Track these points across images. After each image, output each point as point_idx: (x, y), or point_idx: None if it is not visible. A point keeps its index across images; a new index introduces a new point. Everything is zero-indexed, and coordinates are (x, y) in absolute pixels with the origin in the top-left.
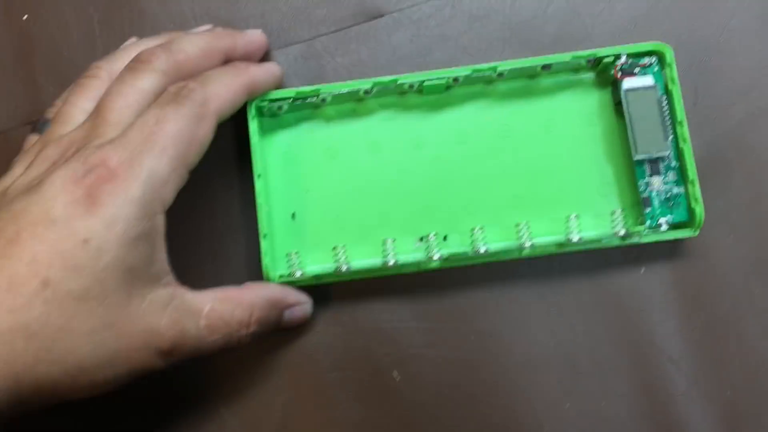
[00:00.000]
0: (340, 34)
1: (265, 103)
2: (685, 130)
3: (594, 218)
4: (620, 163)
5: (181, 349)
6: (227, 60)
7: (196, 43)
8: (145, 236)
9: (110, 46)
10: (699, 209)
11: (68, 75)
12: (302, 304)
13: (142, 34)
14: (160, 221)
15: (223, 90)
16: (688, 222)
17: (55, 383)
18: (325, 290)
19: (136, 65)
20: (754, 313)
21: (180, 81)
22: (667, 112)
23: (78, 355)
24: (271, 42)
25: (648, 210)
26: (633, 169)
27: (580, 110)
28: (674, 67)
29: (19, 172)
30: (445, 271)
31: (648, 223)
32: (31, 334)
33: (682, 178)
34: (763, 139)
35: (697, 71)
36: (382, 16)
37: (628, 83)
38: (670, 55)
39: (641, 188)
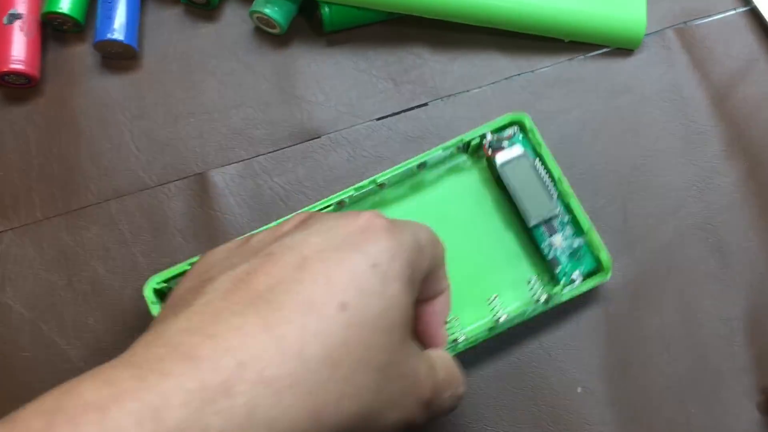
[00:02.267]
0: (277, 153)
1: (163, 285)
2: (565, 186)
3: (513, 291)
4: (519, 231)
5: (435, 402)
6: None
7: None
8: (411, 283)
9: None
10: (603, 254)
11: None
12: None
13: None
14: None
15: None
16: (597, 268)
17: (352, 424)
18: None
19: None
20: None
21: None
22: (545, 173)
23: (369, 392)
24: (209, 161)
25: (558, 269)
26: (532, 235)
27: (466, 193)
28: (536, 131)
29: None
30: None
31: (563, 281)
32: (335, 362)
33: (578, 230)
34: (692, 257)
35: (627, 191)
36: (319, 137)
37: (500, 158)
38: (528, 122)
39: (546, 251)
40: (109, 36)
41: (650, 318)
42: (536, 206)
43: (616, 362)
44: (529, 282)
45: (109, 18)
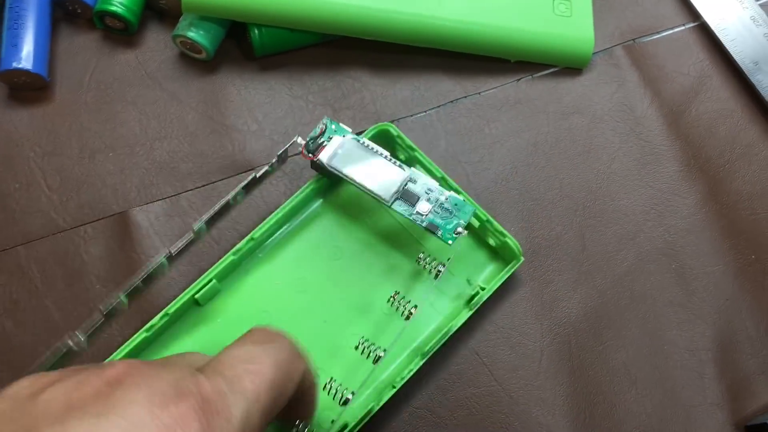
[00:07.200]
0: (207, 188)
1: None
2: (422, 157)
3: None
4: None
5: None
6: None
7: None
8: None
9: None
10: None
11: None
12: None
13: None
14: None
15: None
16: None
17: None
18: None
19: None
20: None
21: None
22: (377, 147)
23: None
24: (130, 199)
25: (439, 232)
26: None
27: (331, 234)
28: (404, 136)
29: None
30: None
31: (449, 240)
32: None
33: (442, 186)
34: (654, 284)
35: (583, 216)
36: (252, 169)
37: (324, 155)
38: (394, 129)
39: (417, 221)
40: (15, 65)
41: (615, 352)
42: (384, 182)
43: (581, 402)
44: (418, 261)
45: (15, 46)
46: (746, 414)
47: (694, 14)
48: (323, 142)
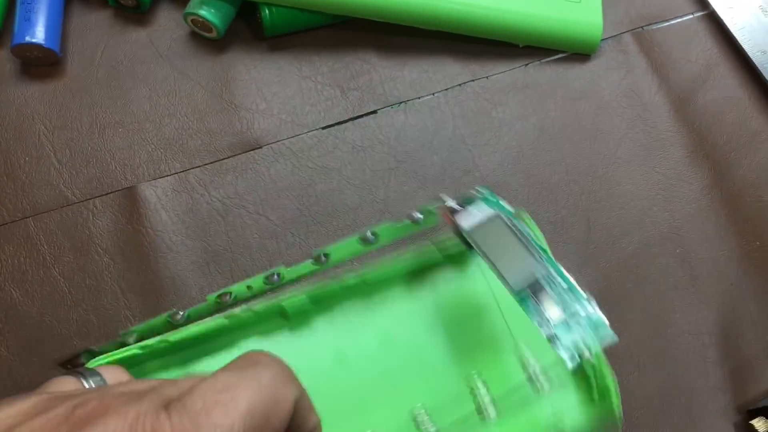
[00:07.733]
0: (215, 165)
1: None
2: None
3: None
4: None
5: None
6: None
7: None
8: None
9: None
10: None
11: None
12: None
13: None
14: None
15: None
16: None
17: None
18: None
19: None
20: None
21: None
22: (526, 233)
23: None
24: (139, 174)
25: (561, 349)
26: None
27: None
28: (536, 227)
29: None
30: None
31: (570, 364)
32: None
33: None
34: (659, 268)
35: (589, 200)
36: (260, 147)
37: (466, 222)
38: (528, 218)
39: (541, 326)
40: (27, 39)
41: (618, 334)
42: (518, 270)
43: None
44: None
45: (28, 20)
46: (748, 398)
47: (703, 3)
48: (468, 207)
